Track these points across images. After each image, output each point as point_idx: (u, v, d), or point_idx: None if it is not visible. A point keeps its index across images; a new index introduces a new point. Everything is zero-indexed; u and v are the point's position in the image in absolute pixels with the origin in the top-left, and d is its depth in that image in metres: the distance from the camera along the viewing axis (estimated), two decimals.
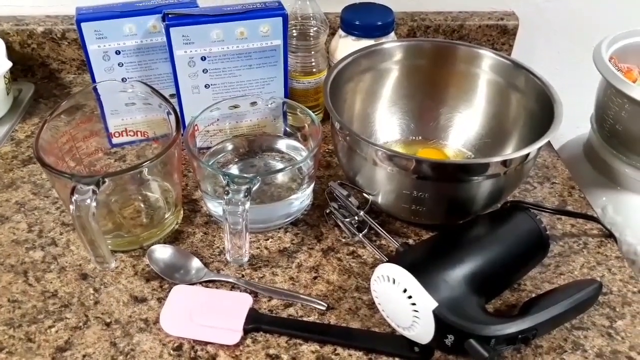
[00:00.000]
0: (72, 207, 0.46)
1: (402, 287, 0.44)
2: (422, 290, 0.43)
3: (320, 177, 0.65)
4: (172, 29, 0.58)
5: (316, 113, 0.72)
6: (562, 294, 0.48)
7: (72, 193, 0.46)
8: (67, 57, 0.80)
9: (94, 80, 0.63)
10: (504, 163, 0.49)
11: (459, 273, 0.46)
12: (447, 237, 0.50)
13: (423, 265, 0.46)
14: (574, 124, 0.67)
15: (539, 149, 0.51)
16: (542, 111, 0.55)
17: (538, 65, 0.59)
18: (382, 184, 0.53)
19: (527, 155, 0.50)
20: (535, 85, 0.57)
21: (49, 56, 0.80)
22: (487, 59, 0.61)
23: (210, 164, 0.63)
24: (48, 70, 0.81)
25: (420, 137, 0.68)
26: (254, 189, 0.50)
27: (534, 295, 0.52)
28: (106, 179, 0.48)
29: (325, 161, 0.67)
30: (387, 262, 0.47)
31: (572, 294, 0.47)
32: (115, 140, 0.65)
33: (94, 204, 0.46)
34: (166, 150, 0.51)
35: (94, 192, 0.46)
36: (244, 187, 0.50)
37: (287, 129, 0.65)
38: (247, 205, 0.49)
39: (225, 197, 0.49)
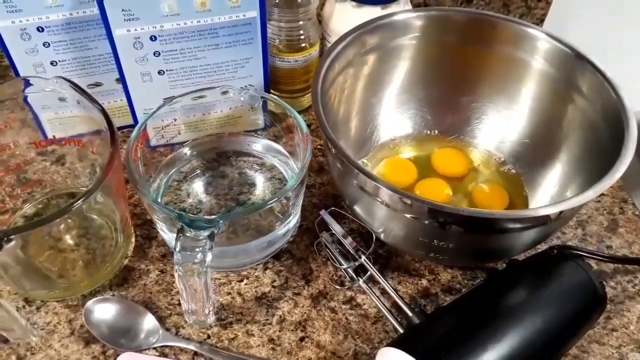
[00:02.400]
0: None
1: None
2: None
3: (310, 186, 0.52)
4: (106, 2, 0.42)
5: (306, 96, 0.58)
6: None
7: None
8: None
9: (13, 66, 0.48)
10: (561, 212, 0.36)
11: None
12: (474, 307, 0.38)
13: (444, 354, 0.34)
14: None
15: None
16: (606, 127, 0.41)
17: (579, 31, 0.42)
18: (389, 224, 0.40)
19: None
20: (603, 90, 0.41)
21: None
22: (542, 42, 0.45)
23: (169, 175, 0.49)
24: None
25: (436, 132, 0.54)
26: (219, 232, 0.37)
27: None
28: (12, 237, 0.34)
29: (317, 163, 0.54)
30: (395, 344, 0.35)
31: None
32: (50, 134, 0.51)
33: None
34: (100, 182, 0.38)
35: None
36: (203, 234, 0.37)
37: (267, 119, 0.51)
38: (209, 258, 0.36)
39: (176, 251, 0.36)
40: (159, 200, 0.48)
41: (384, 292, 0.44)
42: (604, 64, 0.43)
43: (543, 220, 0.36)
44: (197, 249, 0.36)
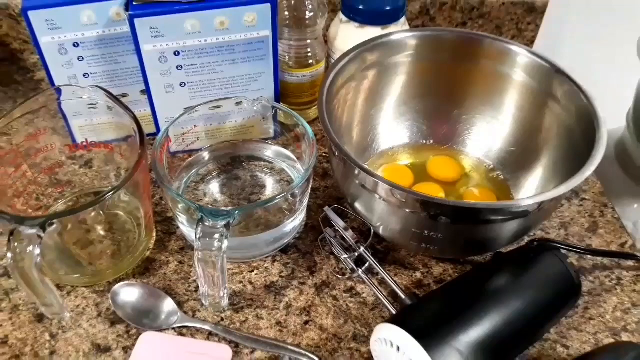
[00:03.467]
0: (9, 255, 0.38)
1: (407, 358, 0.37)
2: None
3: (315, 189, 0.56)
4: (137, 20, 0.48)
5: (312, 109, 0.63)
6: None
7: (9, 239, 0.38)
8: (29, 36, 0.70)
9: (49, 77, 0.54)
10: (539, 205, 0.41)
11: (474, 338, 0.38)
12: (461, 291, 0.42)
13: (433, 329, 0.38)
14: (606, 117, 0.58)
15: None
16: (581, 131, 0.46)
17: (568, 50, 0.48)
18: (386, 218, 0.45)
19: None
20: (577, 98, 0.47)
21: (8, 35, 0.70)
22: (521, 57, 0.51)
23: (188, 176, 0.54)
24: (8, 51, 0.71)
25: (432, 141, 0.59)
26: (234, 223, 0.42)
27: (558, 346, 0.45)
28: (54, 221, 0.39)
29: (322, 169, 0.59)
30: (390, 321, 0.39)
31: None
32: (80, 139, 0.56)
33: (37, 251, 0.38)
34: (128, 179, 0.43)
35: (38, 236, 0.38)
36: (221, 224, 0.41)
37: (277, 129, 0.56)
38: (225, 245, 0.41)
39: (197, 237, 0.41)
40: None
41: (381, 282, 0.48)
42: (582, 77, 0.48)
43: (522, 212, 0.41)
44: (215, 236, 0.41)
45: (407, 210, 0.42)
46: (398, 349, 0.38)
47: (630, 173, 0.64)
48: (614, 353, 0.41)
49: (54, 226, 0.39)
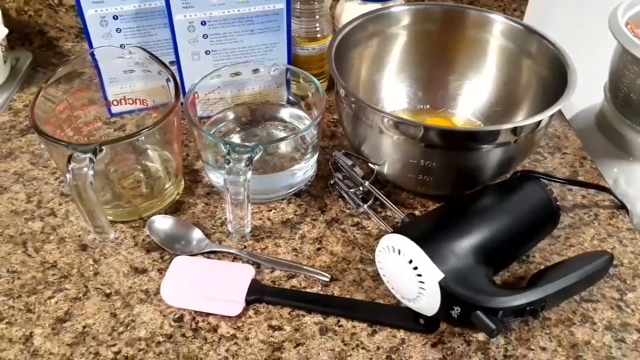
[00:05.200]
0: (68, 176, 0.45)
1: (407, 258, 0.43)
2: (428, 261, 0.42)
3: (324, 147, 0.63)
4: None
5: (320, 81, 0.70)
6: (572, 266, 0.46)
7: (68, 162, 0.45)
8: (65, 25, 0.78)
9: (91, 47, 0.61)
10: (514, 131, 0.47)
11: (466, 244, 0.44)
12: (454, 208, 0.49)
13: (429, 235, 0.45)
14: (586, 93, 0.65)
15: (551, 116, 0.49)
16: (555, 78, 0.52)
17: (550, 32, 0.56)
18: (389, 152, 0.52)
19: (539, 123, 0.48)
20: (549, 51, 0.54)
21: (46, 24, 0.78)
22: (499, 23, 0.59)
23: (211, 133, 0.61)
24: (46, 39, 0.79)
25: (428, 106, 0.66)
26: (255, 158, 0.49)
27: (543, 267, 0.50)
28: (103, 147, 0.46)
29: (330, 131, 0.66)
30: (393, 232, 0.45)
31: (583, 265, 0.46)
32: (114, 109, 0.63)
33: (91, 172, 0.45)
34: (165, 118, 0.50)
35: (91, 160, 0.45)
36: (245, 156, 0.48)
37: (291, 97, 0.63)
38: (249, 174, 0.48)
39: (226, 167, 0.48)
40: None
41: (384, 218, 0.55)
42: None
43: (503, 139, 0.48)
44: (241, 164, 0.47)
45: (404, 139, 0.48)
46: (399, 252, 0.44)
47: (610, 137, 0.71)
48: (587, 258, 0.47)
49: (104, 152, 0.46)
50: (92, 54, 0.57)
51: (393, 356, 0.44)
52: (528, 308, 0.42)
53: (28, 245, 0.52)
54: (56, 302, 0.47)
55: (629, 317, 0.47)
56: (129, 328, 0.46)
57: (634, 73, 0.63)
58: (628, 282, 0.50)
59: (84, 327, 0.46)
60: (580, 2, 0.85)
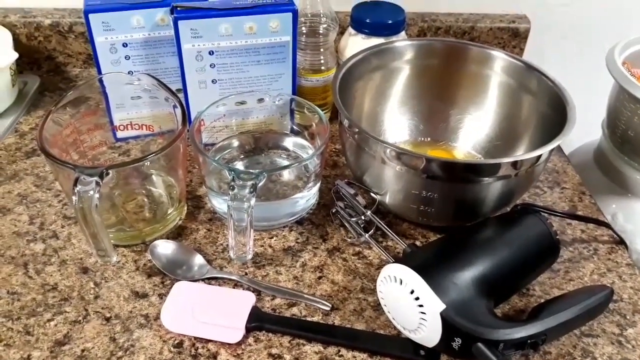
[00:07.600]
0: (74, 198, 0.45)
1: (409, 289, 0.43)
2: (429, 292, 0.42)
3: (326, 176, 0.64)
4: (180, 22, 0.57)
5: (324, 111, 0.71)
6: (572, 300, 0.47)
7: (75, 184, 0.45)
8: (73, 51, 0.80)
9: (100, 73, 0.62)
10: (515, 164, 0.48)
11: (467, 275, 0.44)
12: (455, 239, 0.49)
13: (431, 266, 0.45)
14: (584, 129, 0.66)
15: (551, 151, 0.50)
16: (555, 114, 0.54)
17: (549, 69, 0.58)
18: (390, 183, 0.52)
19: (539, 157, 0.49)
20: (548, 87, 0.56)
21: (55, 49, 0.79)
22: (499, 60, 0.60)
23: (216, 159, 0.62)
24: (54, 64, 0.80)
25: (429, 139, 0.67)
26: (259, 184, 0.49)
27: (543, 300, 0.51)
28: (110, 171, 0.47)
29: (332, 160, 0.67)
30: (394, 262, 0.46)
31: (583, 299, 0.46)
32: (119, 134, 0.64)
33: (96, 195, 0.45)
34: (171, 144, 0.50)
35: (97, 183, 0.46)
36: (249, 183, 0.49)
37: (294, 126, 0.64)
38: (253, 201, 0.48)
39: (231, 193, 0.48)
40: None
41: (385, 248, 0.55)
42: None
43: (504, 172, 0.48)
44: (245, 190, 0.48)
45: (406, 170, 0.49)
46: (401, 282, 0.44)
47: (608, 173, 0.72)
48: (588, 292, 0.47)
49: (110, 175, 0.47)
50: (101, 80, 0.58)
51: None
52: (529, 341, 0.42)
53: (29, 266, 0.52)
54: (55, 325, 0.47)
55: (630, 353, 0.47)
56: (128, 353, 0.45)
57: (631, 111, 0.64)
58: (628, 317, 0.50)
59: (83, 350, 0.45)
60: (578, 41, 0.87)
